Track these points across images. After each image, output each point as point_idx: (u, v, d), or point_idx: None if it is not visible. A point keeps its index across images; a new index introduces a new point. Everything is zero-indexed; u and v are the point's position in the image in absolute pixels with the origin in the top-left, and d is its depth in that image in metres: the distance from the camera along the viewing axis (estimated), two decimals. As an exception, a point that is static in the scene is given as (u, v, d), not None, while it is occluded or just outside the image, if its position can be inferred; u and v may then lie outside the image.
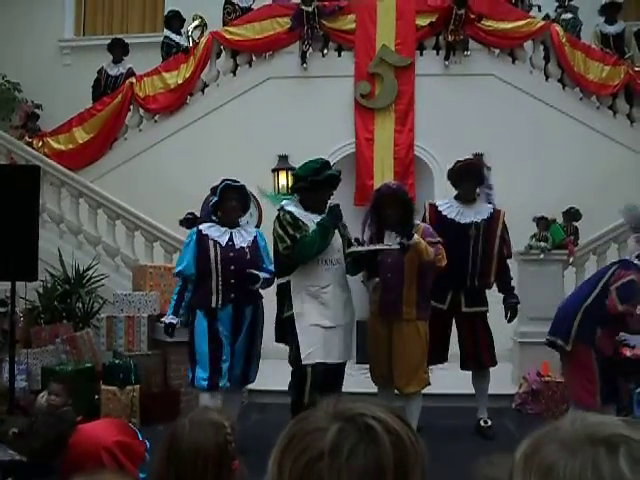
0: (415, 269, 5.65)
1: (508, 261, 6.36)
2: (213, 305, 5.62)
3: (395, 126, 9.96)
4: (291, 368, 5.58)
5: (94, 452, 2.29)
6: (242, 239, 5.79)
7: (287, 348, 5.64)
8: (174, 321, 5.76)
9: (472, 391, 6.51)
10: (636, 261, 5.37)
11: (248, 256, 5.72)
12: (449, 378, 6.88)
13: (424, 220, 6.19)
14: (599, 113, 9.92)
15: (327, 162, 5.78)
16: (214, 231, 5.79)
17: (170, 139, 10.02)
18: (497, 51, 10.02)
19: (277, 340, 5.72)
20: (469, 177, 6.16)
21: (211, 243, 5.71)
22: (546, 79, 9.98)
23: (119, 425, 2.50)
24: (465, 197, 6.20)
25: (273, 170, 9.95)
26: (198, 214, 7.54)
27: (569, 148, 9.37)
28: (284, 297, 5.55)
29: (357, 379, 7.74)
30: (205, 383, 5.60)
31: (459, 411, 6.64)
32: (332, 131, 9.61)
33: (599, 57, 9.96)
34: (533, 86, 9.82)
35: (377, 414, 1.04)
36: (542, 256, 7.75)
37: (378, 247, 5.68)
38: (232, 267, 5.64)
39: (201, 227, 5.86)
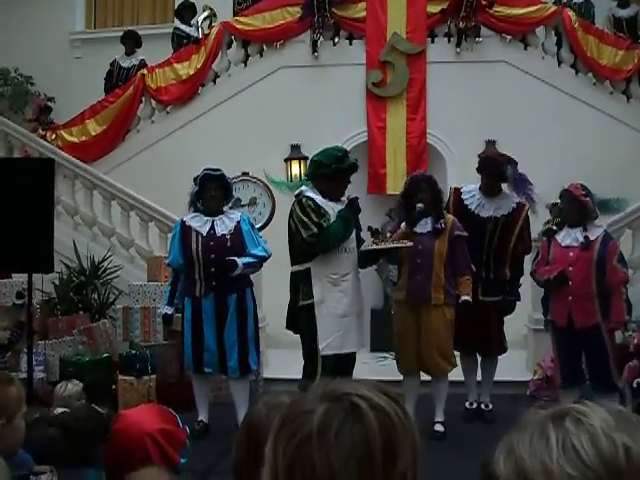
0: (444, 255, 5.74)
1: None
2: (197, 294, 5.85)
3: (407, 114, 9.93)
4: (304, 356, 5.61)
5: (138, 438, 2.33)
6: (224, 227, 5.93)
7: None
8: (169, 311, 6.02)
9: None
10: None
11: (229, 243, 5.85)
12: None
13: (447, 203, 6.25)
14: (613, 98, 9.85)
15: (345, 150, 5.87)
16: (196, 221, 5.96)
17: (182, 130, 10.04)
18: (509, 37, 9.95)
19: (288, 327, 5.77)
20: (486, 171, 6.18)
21: (193, 233, 5.89)
22: (559, 65, 9.91)
23: (161, 411, 2.54)
24: (485, 189, 6.21)
25: (286, 159, 9.96)
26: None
27: (583, 134, 9.31)
28: (300, 284, 5.52)
29: (371, 366, 7.79)
30: (191, 364, 5.96)
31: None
32: (344, 120, 9.59)
33: (612, 42, 9.88)
34: (546, 72, 9.75)
35: (362, 392, 1.06)
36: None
37: (391, 245, 5.73)
38: (212, 255, 5.80)
39: (185, 218, 6.05)
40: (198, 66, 10.12)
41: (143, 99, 10.34)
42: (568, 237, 5.72)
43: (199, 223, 5.94)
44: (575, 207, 5.72)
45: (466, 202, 6.17)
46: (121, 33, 10.97)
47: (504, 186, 6.31)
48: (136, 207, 9.02)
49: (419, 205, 5.74)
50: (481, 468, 1.54)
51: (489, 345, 6.26)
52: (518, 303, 7.58)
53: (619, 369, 5.90)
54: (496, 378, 6.91)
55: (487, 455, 1.52)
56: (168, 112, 10.38)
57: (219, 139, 9.68)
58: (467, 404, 6.51)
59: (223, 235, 5.88)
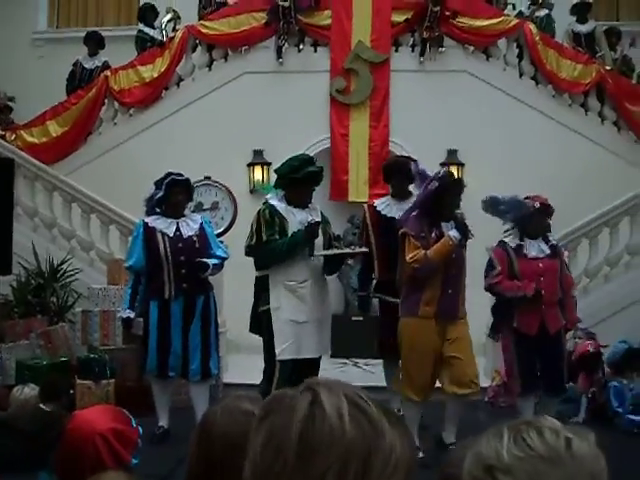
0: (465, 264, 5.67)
1: None
2: (166, 296, 5.77)
3: (370, 122, 10.01)
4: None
5: (89, 438, 2.32)
6: (189, 228, 5.91)
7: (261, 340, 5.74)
8: (130, 315, 5.89)
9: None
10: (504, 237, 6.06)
11: (197, 245, 5.86)
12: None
13: (363, 220, 6.35)
14: (571, 111, 10.04)
15: (309, 158, 5.90)
16: (160, 223, 5.89)
17: (145, 133, 9.98)
18: (471, 48, 10.10)
19: (251, 330, 5.82)
20: (395, 174, 6.27)
21: (159, 235, 5.82)
22: (520, 76, 10.08)
23: (113, 411, 2.54)
24: (397, 193, 6.30)
25: (248, 165, 9.96)
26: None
27: (542, 145, 9.48)
28: (261, 290, 5.63)
29: (331, 373, 7.80)
30: (154, 368, 5.85)
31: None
32: (307, 126, 9.63)
33: (571, 56, 10.07)
34: (507, 83, 9.91)
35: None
36: (515, 252, 7.83)
37: (346, 251, 5.99)
38: (182, 257, 5.77)
39: (147, 219, 5.94)
40: (162, 69, 10.07)
41: (106, 101, 10.25)
42: (533, 249, 5.78)
43: (164, 225, 5.88)
44: (546, 220, 5.95)
45: (383, 212, 6.23)
46: (84, 34, 10.87)
47: (411, 187, 6.39)
48: (97, 210, 8.94)
49: (459, 212, 5.57)
50: (440, 470, 1.59)
51: None
52: (477, 311, 7.68)
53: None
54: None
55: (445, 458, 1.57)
56: (131, 115, 10.32)
57: (182, 143, 9.65)
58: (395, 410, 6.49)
59: (190, 236, 5.86)
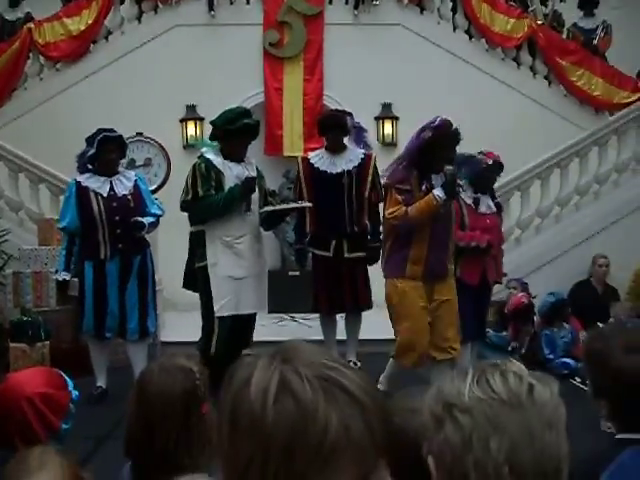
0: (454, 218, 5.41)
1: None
2: (102, 256, 5.68)
3: (304, 75, 9.93)
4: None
5: (17, 401, 2.29)
6: (123, 187, 5.78)
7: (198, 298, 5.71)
8: (67, 277, 5.78)
9: (383, 336, 6.67)
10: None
11: (132, 204, 5.74)
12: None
13: (297, 173, 6.33)
14: (504, 64, 10.13)
15: (245, 111, 5.81)
16: (94, 182, 5.74)
17: (73, 88, 9.67)
18: (405, 1, 10.04)
19: (184, 286, 5.80)
20: (330, 128, 6.27)
21: (92, 195, 5.69)
22: (454, 30, 10.10)
23: (47, 374, 2.49)
24: (332, 147, 6.29)
25: (181, 120, 9.79)
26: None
27: (475, 98, 9.55)
28: (197, 246, 5.59)
29: (270, 328, 7.85)
30: (91, 330, 5.78)
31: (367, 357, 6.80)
32: (241, 80, 9.49)
33: (504, 10, 10.12)
34: (440, 37, 9.93)
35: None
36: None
37: (290, 206, 5.98)
38: (117, 217, 5.66)
39: (79, 178, 5.79)
40: (89, 22, 9.73)
41: (31, 55, 9.87)
42: (483, 205, 5.92)
43: (97, 184, 5.74)
44: (495, 177, 6.11)
45: (316, 165, 6.24)
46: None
47: (345, 140, 6.42)
48: (25, 168, 8.67)
49: (449, 168, 5.09)
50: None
51: (356, 301, 6.30)
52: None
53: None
54: (372, 336, 7.09)
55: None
56: (58, 69, 9.98)
57: (112, 98, 9.40)
58: None
59: (124, 195, 5.74)
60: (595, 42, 10.66)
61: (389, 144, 9.82)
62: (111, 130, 5.76)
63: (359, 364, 6.39)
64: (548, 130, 9.24)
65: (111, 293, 5.72)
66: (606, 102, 10.09)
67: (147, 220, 5.73)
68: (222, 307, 5.48)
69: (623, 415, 1.86)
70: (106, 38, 9.96)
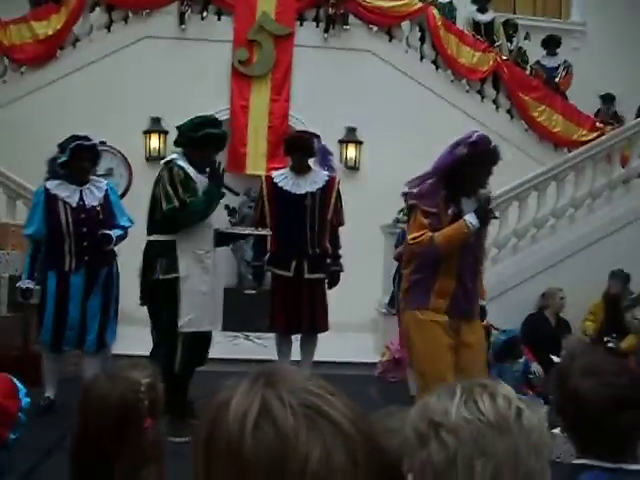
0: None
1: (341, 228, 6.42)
2: (66, 269, 5.52)
3: (271, 95, 9.97)
4: (155, 334, 5.37)
5: None
6: (93, 197, 5.63)
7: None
8: (30, 285, 5.62)
9: (337, 359, 6.70)
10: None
11: (100, 215, 5.60)
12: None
13: (260, 191, 6.28)
14: (468, 96, 10.31)
15: (213, 120, 5.64)
16: (63, 190, 5.57)
17: (37, 93, 9.54)
18: (375, 28, 10.18)
19: (143, 302, 5.43)
20: (297, 149, 6.25)
21: (60, 204, 5.53)
22: (421, 59, 10.25)
23: None
24: (297, 168, 6.27)
25: (145, 132, 9.74)
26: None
27: (438, 127, 9.63)
28: (160, 256, 5.27)
29: (224, 346, 7.79)
30: (48, 342, 5.61)
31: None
32: (207, 96, 9.47)
33: (471, 43, 10.33)
34: (408, 65, 10.07)
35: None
36: (408, 230, 8.00)
37: (251, 232, 5.97)
38: (84, 229, 5.51)
39: (48, 185, 5.59)
40: (58, 27, 9.64)
41: (-5, 56, 9.75)
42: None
43: (66, 192, 5.57)
44: None
45: (280, 184, 6.20)
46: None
47: (310, 162, 6.43)
48: (-18, 171, 8.51)
49: (484, 192, 4.44)
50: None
51: (314, 323, 6.27)
52: (368, 287, 7.85)
53: None
54: (344, 359, 7.12)
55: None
56: (22, 72, 9.84)
57: (77, 105, 9.32)
58: None
59: (93, 207, 5.59)
60: (557, 80, 10.95)
61: (352, 168, 9.90)
62: (85, 138, 5.59)
63: None
64: (508, 163, 9.30)
65: (73, 305, 5.55)
66: (565, 139, 10.35)
67: (115, 233, 5.59)
68: (187, 323, 5.26)
69: (578, 437, 1.90)
70: (74, 45, 9.88)
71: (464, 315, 4.44)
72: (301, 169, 6.26)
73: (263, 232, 5.94)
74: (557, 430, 2.01)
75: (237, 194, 5.55)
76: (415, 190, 4.56)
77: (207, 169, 5.33)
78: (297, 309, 6.19)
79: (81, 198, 5.58)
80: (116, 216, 5.71)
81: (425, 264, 4.43)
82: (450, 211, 4.38)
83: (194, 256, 5.33)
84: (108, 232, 5.54)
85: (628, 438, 1.85)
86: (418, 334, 4.43)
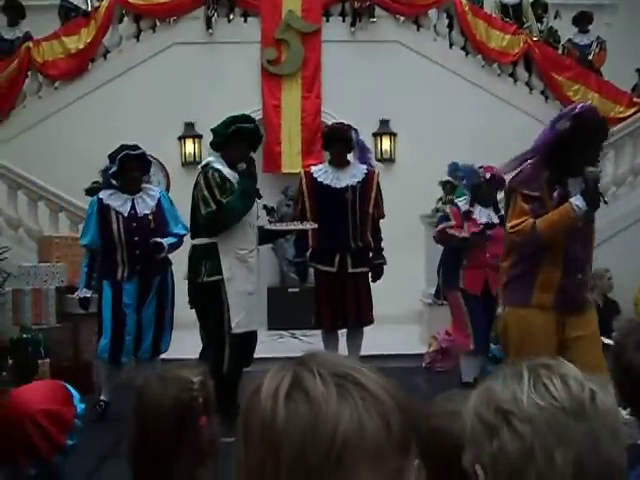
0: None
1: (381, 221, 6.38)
2: (119, 278, 5.53)
3: (302, 92, 9.98)
4: (204, 335, 5.43)
5: (19, 420, 2.25)
6: (145, 205, 5.62)
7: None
8: (88, 295, 5.68)
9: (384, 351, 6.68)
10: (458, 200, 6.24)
11: (152, 224, 5.58)
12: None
13: (300, 187, 6.23)
14: (500, 80, 10.20)
15: (243, 116, 5.61)
16: (115, 200, 5.60)
17: (72, 106, 9.70)
18: (402, 18, 10.12)
19: (192, 306, 5.49)
20: (335, 142, 6.19)
21: (113, 214, 5.55)
22: (450, 47, 10.17)
23: (51, 388, 2.44)
24: (336, 161, 6.22)
25: (179, 137, 9.82)
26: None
27: (472, 114, 9.60)
28: (205, 259, 5.33)
29: (270, 345, 7.82)
30: (106, 355, 5.55)
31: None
32: (239, 97, 9.49)
33: (500, 26, 10.21)
34: (437, 53, 9.99)
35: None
36: (448, 219, 7.93)
37: (294, 227, 5.85)
38: (136, 238, 5.51)
39: (102, 195, 5.64)
40: (88, 40, 9.78)
41: (29, 73, 9.91)
42: (484, 216, 6.00)
43: (118, 202, 5.58)
44: (495, 190, 6.08)
45: (320, 179, 6.14)
46: (2, 2, 10.45)
47: (349, 156, 6.38)
48: (24, 186, 8.67)
49: (592, 171, 3.87)
50: (424, 422, 1.59)
51: (359, 317, 6.25)
52: (411, 278, 7.81)
53: None
54: (391, 352, 7.09)
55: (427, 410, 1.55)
56: (56, 88, 10.00)
57: (110, 116, 9.44)
58: None
59: (145, 215, 5.58)
60: (590, 58, 10.75)
61: (387, 160, 9.86)
62: (134, 147, 5.58)
63: None
64: (545, 145, 9.28)
65: (129, 314, 5.56)
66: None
67: (167, 241, 5.56)
68: (239, 323, 5.31)
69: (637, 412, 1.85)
70: (104, 56, 10.00)
71: (573, 309, 3.94)
72: (340, 162, 6.22)
73: (308, 226, 5.87)
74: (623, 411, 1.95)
75: (259, 197, 5.53)
76: (511, 170, 4.10)
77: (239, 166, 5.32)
78: (342, 304, 6.18)
79: (133, 207, 5.58)
80: (169, 224, 5.67)
81: (526, 255, 3.99)
82: (555, 194, 3.88)
83: (237, 256, 5.35)
84: (160, 240, 5.51)
85: None
86: (518, 333, 3.98)
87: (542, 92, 10.28)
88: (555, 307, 3.92)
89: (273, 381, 0.92)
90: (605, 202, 4.03)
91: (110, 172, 5.55)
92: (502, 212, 6.08)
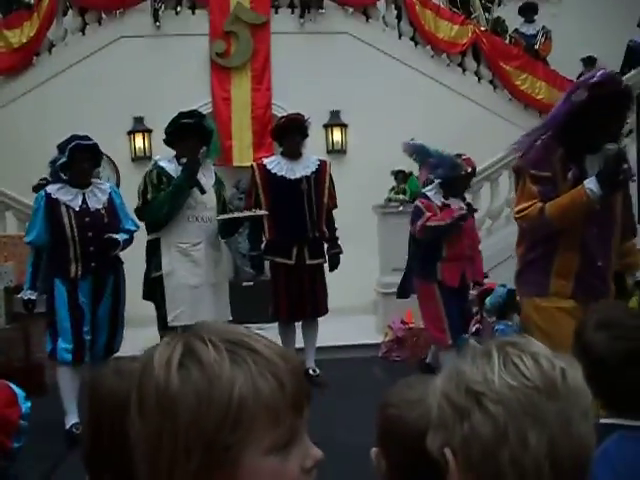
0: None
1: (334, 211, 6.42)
2: (72, 275, 5.21)
3: (252, 85, 9.91)
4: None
5: None
6: (96, 199, 5.34)
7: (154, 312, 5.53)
8: (33, 297, 5.30)
9: (341, 342, 6.69)
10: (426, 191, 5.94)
11: (105, 219, 5.33)
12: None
13: (252, 178, 6.18)
14: (449, 70, 10.27)
15: (190, 112, 5.54)
16: (64, 193, 5.25)
17: (17, 102, 9.48)
18: (351, 9, 10.12)
19: (145, 297, 5.58)
20: (293, 132, 6.16)
21: (63, 208, 5.21)
22: (399, 37, 10.20)
23: None
24: (291, 152, 6.20)
25: (129, 132, 9.69)
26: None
27: (422, 104, 9.65)
28: (153, 255, 5.43)
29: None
30: (69, 356, 5.23)
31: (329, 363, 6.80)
32: (188, 91, 9.39)
33: (448, 16, 10.29)
34: (386, 44, 10.02)
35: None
36: (401, 208, 7.97)
37: (246, 214, 5.74)
38: (90, 233, 5.21)
39: (49, 190, 5.26)
40: (31, 34, 9.56)
41: (-29, 68, 9.67)
42: (455, 206, 5.87)
43: (68, 196, 5.25)
44: (469, 181, 6.05)
45: (274, 170, 6.13)
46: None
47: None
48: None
49: (611, 147, 3.37)
50: (379, 410, 1.58)
51: (316, 307, 6.27)
52: (365, 269, 7.83)
53: None
54: (347, 342, 7.11)
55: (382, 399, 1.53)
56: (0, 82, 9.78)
57: (57, 111, 9.24)
58: None
59: (97, 210, 5.31)
60: (536, 47, 10.91)
61: (338, 151, 9.87)
62: (85, 137, 5.29)
63: (318, 371, 6.39)
64: (495, 134, 9.34)
65: (85, 311, 5.27)
66: (550, 105, 10.27)
67: (121, 237, 5.36)
68: (177, 317, 5.29)
69: (599, 395, 1.84)
70: (49, 51, 9.80)
71: (595, 296, 3.37)
72: (294, 154, 6.20)
73: (261, 212, 5.85)
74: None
75: (203, 192, 5.46)
76: (520, 148, 3.62)
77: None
78: (300, 296, 6.18)
79: (84, 201, 5.29)
80: (121, 219, 5.47)
81: (540, 240, 3.62)
82: (570, 174, 3.44)
83: (178, 250, 5.35)
84: (115, 236, 5.31)
85: None
86: (541, 323, 3.60)
87: (490, 81, 10.40)
88: (574, 296, 3.54)
89: (165, 352, 0.93)
90: (632, 180, 3.62)
91: (59, 163, 5.24)
92: (469, 200, 6.11)
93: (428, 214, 5.71)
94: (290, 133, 6.18)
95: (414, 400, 1.46)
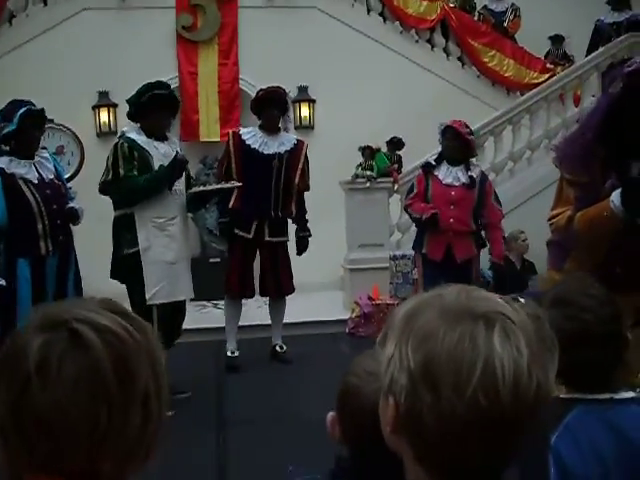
0: None
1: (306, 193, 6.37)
2: (43, 252, 4.86)
3: (219, 59, 9.80)
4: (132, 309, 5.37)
5: None
6: (47, 170, 5.01)
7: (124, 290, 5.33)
8: (3, 282, 4.81)
9: (308, 318, 6.69)
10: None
11: (63, 189, 5.09)
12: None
13: (228, 146, 6.08)
14: (418, 46, 10.24)
15: (158, 82, 5.39)
16: (17, 166, 4.85)
17: (-23, 75, 9.27)
18: (319, -17, 10.02)
19: (112, 276, 5.34)
20: (272, 105, 6.03)
21: (21, 182, 4.83)
22: (368, 12, 10.13)
23: None
24: (268, 126, 6.09)
25: (93, 107, 9.53)
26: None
27: (390, 80, 9.62)
28: (125, 231, 5.19)
29: (193, 316, 7.69)
30: None
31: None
32: (154, 65, 9.22)
33: (417, -8, 10.23)
34: (355, 19, 9.94)
35: (83, 315, 0.98)
36: (368, 184, 7.97)
37: (220, 186, 5.67)
38: (54, 206, 4.93)
39: (1, 164, 4.84)
40: (-9, 5, 9.33)
41: None
42: (449, 175, 5.84)
43: (23, 169, 4.87)
44: (459, 144, 5.86)
45: (248, 142, 6.01)
46: None
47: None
48: None
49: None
50: (343, 375, 1.56)
51: (279, 287, 6.21)
52: (332, 245, 7.81)
53: None
54: (315, 318, 7.10)
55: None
56: (-41, 55, 9.54)
57: (19, 85, 9.03)
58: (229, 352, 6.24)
59: (52, 180, 5.01)
60: (505, 24, 10.92)
61: (306, 127, 9.81)
62: (31, 103, 4.97)
63: (285, 348, 6.37)
64: (463, 110, 9.28)
65: (49, 292, 4.96)
66: (517, 82, 10.36)
67: (79, 207, 5.09)
68: (155, 295, 5.17)
69: (557, 373, 1.83)
70: (10, 22, 9.55)
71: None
72: (272, 128, 6.08)
73: (235, 184, 5.70)
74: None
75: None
76: (560, 150, 3.25)
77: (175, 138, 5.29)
78: (262, 274, 6.13)
79: (38, 173, 4.96)
80: (67, 189, 5.23)
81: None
82: (608, 183, 2.92)
83: (154, 225, 5.20)
84: (75, 206, 5.07)
85: (597, 372, 1.76)
86: None
87: (459, 58, 10.40)
88: (623, 287, 2.78)
89: (96, 314, 1.00)
90: None
91: (5, 132, 4.83)
92: (473, 173, 5.90)
93: (415, 191, 5.94)
94: (268, 106, 6.05)
95: (375, 372, 1.44)
